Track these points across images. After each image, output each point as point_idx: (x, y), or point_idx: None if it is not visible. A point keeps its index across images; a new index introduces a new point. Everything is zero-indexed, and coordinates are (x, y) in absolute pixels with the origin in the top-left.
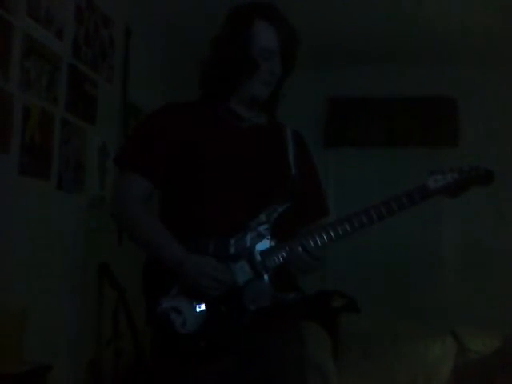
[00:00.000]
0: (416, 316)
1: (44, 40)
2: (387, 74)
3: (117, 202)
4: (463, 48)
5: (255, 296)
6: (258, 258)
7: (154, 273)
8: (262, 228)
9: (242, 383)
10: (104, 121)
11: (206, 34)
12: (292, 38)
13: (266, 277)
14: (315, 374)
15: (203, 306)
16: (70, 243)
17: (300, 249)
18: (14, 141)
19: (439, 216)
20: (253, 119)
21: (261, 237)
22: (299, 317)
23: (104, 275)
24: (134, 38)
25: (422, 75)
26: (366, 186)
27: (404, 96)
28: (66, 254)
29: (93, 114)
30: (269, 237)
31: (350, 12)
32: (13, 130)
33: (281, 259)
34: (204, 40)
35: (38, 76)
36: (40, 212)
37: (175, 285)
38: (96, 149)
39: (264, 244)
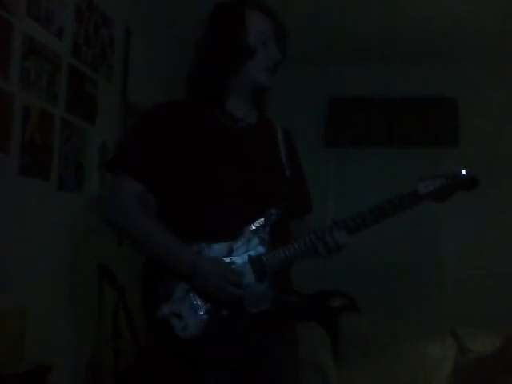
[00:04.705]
0: (416, 316)
1: (44, 40)
2: (387, 74)
3: (114, 207)
4: (463, 48)
5: (256, 299)
6: (258, 261)
7: (154, 277)
8: (260, 231)
9: None
10: (104, 121)
11: None
12: (283, 25)
13: (265, 280)
14: (315, 373)
15: (204, 311)
16: (69, 243)
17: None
18: (14, 141)
19: (439, 216)
20: (246, 119)
21: (260, 240)
22: (295, 318)
23: (104, 275)
24: (134, 38)
25: (421, 75)
26: (366, 185)
27: (404, 96)
28: (66, 254)
29: (93, 114)
30: (267, 240)
31: (350, 12)
32: (13, 130)
33: (279, 261)
34: None
35: (38, 76)
36: (40, 212)
37: (176, 289)
38: (96, 148)
39: (263, 247)
